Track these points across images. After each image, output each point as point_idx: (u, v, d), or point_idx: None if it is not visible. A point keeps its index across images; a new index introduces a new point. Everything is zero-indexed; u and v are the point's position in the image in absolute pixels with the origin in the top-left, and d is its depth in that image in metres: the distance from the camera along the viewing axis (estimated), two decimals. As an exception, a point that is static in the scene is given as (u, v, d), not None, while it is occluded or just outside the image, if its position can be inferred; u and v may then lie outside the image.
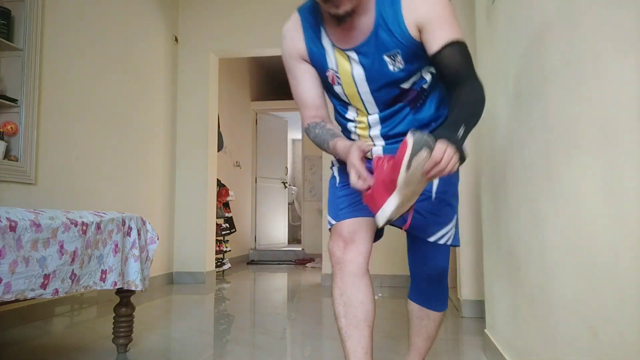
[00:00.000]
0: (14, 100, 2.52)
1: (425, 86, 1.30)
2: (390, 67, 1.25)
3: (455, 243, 1.43)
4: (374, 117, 1.33)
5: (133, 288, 1.89)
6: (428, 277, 1.47)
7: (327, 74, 1.33)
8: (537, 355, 1.28)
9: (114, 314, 1.97)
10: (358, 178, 1.12)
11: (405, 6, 1.20)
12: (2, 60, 2.55)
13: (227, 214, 5.02)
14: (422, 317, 1.51)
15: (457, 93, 1.18)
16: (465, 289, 2.73)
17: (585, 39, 0.94)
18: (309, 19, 1.33)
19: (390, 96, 1.30)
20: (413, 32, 1.21)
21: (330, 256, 1.38)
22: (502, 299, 1.68)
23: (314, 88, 1.36)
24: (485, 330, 1.99)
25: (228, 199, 5.01)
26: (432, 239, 1.39)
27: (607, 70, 0.85)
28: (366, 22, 1.24)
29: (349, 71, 1.29)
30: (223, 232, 4.98)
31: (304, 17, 1.34)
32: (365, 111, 1.34)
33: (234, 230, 5.26)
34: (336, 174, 1.45)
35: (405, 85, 1.28)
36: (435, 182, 1.37)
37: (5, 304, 1.80)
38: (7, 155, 2.50)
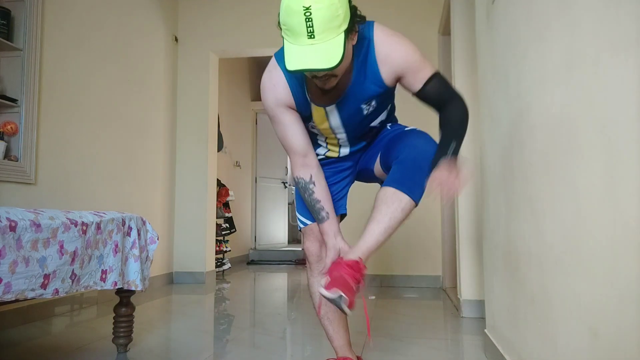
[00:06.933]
0: (14, 100, 2.51)
1: (383, 120, 1.56)
2: (364, 111, 1.46)
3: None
4: (344, 144, 1.58)
5: (133, 288, 1.89)
6: (418, 153, 1.39)
7: (310, 123, 1.50)
8: (537, 355, 1.28)
9: (114, 314, 1.97)
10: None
11: (381, 61, 1.36)
12: (2, 60, 2.55)
13: (227, 214, 5.02)
14: (393, 201, 1.36)
15: (444, 115, 1.41)
16: (465, 289, 2.73)
17: (585, 39, 0.94)
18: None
19: (360, 133, 1.55)
20: (390, 82, 1.40)
21: (307, 254, 1.63)
22: (502, 299, 1.68)
23: (302, 134, 1.49)
24: (485, 330, 1.99)
25: (228, 199, 5.01)
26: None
27: (607, 70, 0.85)
28: (344, 81, 1.38)
29: (327, 121, 1.48)
30: (223, 232, 4.97)
31: (285, 69, 1.36)
32: (337, 143, 1.58)
33: (234, 230, 5.26)
34: None
35: (374, 124, 1.54)
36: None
37: (5, 304, 1.80)
38: (7, 155, 2.49)
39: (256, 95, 7.02)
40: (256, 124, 6.92)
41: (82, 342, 2.18)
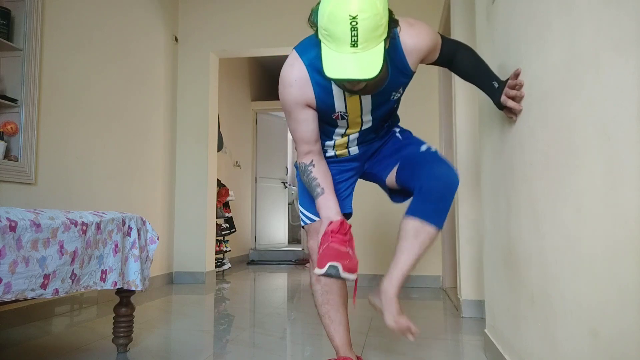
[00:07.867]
0: (14, 100, 2.51)
1: (396, 106, 1.61)
2: (393, 98, 1.51)
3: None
4: (354, 136, 1.58)
5: (133, 288, 1.89)
6: (443, 185, 1.44)
7: (333, 115, 1.48)
8: (537, 355, 1.28)
9: (114, 314, 1.97)
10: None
11: (409, 52, 1.41)
12: (2, 60, 2.55)
13: (227, 214, 5.02)
14: (422, 233, 1.45)
15: (462, 63, 1.55)
16: (465, 289, 2.73)
17: (585, 39, 0.94)
18: (315, 67, 1.38)
19: (383, 122, 1.59)
20: (415, 68, 1.46)
21: (311, 252, 1.61)
22: (502, 299, 1.68)
23: (313, 130, 1.49)
24: (485, 330, 1.99)
25: (228, 199, 5.01)
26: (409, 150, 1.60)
27: (607, 70, 0.85)
28: (381, 77, 1.40)
29: (358, 106, 1.48)
30: (223, 232, 4.97)
31: (310, 64, 1.38)
32: (359, 127, 1.55)
33: (234, 230, 5.26)
34: None
35: (395, 105, 1.59)
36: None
37: (5, 304, 1.80)
38: (7, 155, 2.50)
39: (256, 95, 7.02)
40: (256, 124, 6.92)
41: (82, 342, 2.18)
